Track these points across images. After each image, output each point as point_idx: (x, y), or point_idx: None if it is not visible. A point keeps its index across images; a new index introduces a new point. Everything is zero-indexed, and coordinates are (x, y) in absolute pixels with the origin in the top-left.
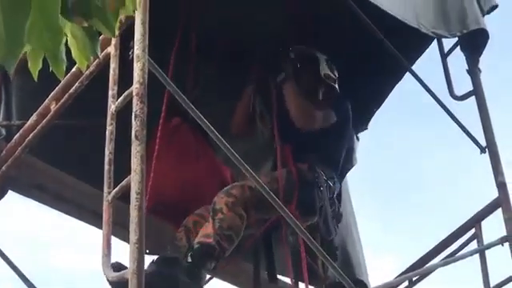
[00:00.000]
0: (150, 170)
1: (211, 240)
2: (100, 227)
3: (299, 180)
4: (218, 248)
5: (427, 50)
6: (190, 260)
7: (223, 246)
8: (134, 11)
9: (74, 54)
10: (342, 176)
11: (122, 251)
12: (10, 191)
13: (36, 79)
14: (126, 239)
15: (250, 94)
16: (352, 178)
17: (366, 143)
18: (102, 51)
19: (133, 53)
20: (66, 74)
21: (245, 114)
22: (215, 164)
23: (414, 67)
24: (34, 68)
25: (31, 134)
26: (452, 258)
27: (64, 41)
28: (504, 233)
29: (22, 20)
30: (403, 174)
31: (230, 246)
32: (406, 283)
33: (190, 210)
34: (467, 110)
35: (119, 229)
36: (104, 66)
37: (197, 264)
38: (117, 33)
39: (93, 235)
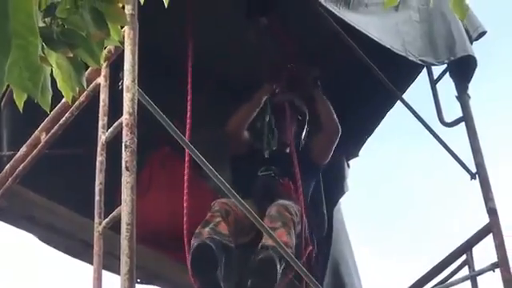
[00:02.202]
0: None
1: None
2: (88, 261)
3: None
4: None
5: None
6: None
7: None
8: (119, 41)
9: (60, 84)
10: (334, 204)
11: (113, 279)
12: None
13: (21, 110)
14: (115, 269)
15: (262, 99)
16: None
17: (356, 166)
18: (91, 82)
19: (122, 83)
20: (57, 103)
21: (248, 117)
22: (205, 192)
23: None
24: (20, 99)
25: (21, 165)
26: (444, 285)
27: (49, 71)
28: (495, 259)
29: (2, 60)
30: (393, 198)
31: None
32: None
33: (179, 239)
34: (457, 135)
35: (110, 258)
36: (94, 96)
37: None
38: (105, 64)
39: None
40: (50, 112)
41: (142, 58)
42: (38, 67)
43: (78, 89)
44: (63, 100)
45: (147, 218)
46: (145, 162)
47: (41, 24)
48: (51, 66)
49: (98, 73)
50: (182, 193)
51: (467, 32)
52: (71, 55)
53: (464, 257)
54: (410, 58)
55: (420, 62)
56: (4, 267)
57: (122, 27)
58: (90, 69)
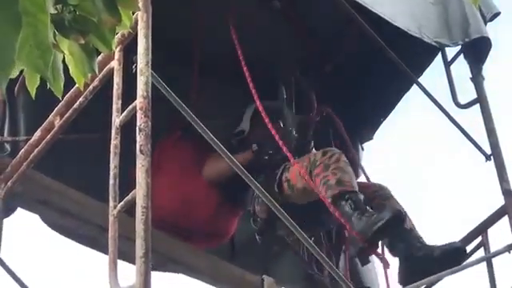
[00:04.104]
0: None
1: None
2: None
3: None
4: None
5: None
6: None
7: None
8: (131, 27)
9: (72, 71)
10: None
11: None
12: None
13: (34, 97)
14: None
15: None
16: None
17: (368, 148)
18: (105, 65)
19: (136, 67)
20: (71, 88)
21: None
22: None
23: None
24: (32, 85)
25: (36, 150)
26: (459, 267)
27: (61, 58)
28: (511, 240)
29: (12, 37)
30: (406, 180)
31: None
32: None
33: (187, 226)
34: (470, 117)
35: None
36: (108, 80)
37: None
38: (119, 48)
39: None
40: (64, 97)
41: (156, 43)
42: (49, 45)
43: (89, 75)
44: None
45: (155, 202)
46: (155, 148)
47: (52, 11)
48: (63, 52)
49: (111, 57)
50: (189, 178)
51: (481, 13)
52: (83, 42)
53: (479, 239)
54: (425, 39)
55: (435, 44)
56: None
57: (133, 13)
58: (103, 53)
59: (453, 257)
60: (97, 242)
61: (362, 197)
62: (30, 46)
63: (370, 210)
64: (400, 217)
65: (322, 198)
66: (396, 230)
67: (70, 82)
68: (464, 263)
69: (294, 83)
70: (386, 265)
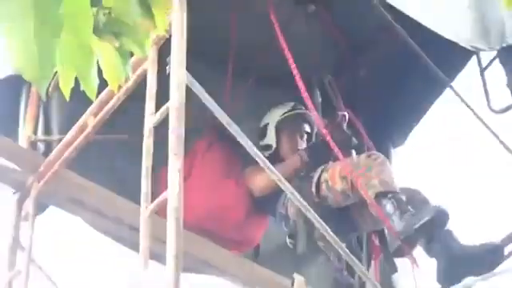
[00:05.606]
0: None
1: None
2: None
3: None
4: None
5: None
6: None
7: None
8: (165, 31)
9: (106, 73)
10: None
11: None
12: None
13: (68, 99)
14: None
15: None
16: None
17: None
18: (139, 66)
19: (170, 68)
20: (104, 89)
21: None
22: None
23: None
24: (66, 87)
25: (69, 149)
26: (491, 273)
27: (95, 60)
28: None
29: (53, 40)
30: (434, 186)
31: None
32: None
33: (215, 231)
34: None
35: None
36: (142, 81)
37: None
38: (153, 48)
39: None
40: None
41: (189, 44)
42: (91, 47)
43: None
44: None
45: (186, 205)
46: (188, 151)
47: None
48: (97, 55)
49: (145, 57)
50: (218, 185)
51: None
52: (117, 44)
53: None
54: (462, 44)
55: (471, 48)
56: None
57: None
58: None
59: (493, 256)
60: (129, 243)
61: (404, 197)
62: (72, 48)
63: (412, 210)
64: (442, 217)
65: (364, 194)
66: (436, 229)
67: (103, 83)
68: (503, 268)
69: (327, 85)
70: (415, 265)
